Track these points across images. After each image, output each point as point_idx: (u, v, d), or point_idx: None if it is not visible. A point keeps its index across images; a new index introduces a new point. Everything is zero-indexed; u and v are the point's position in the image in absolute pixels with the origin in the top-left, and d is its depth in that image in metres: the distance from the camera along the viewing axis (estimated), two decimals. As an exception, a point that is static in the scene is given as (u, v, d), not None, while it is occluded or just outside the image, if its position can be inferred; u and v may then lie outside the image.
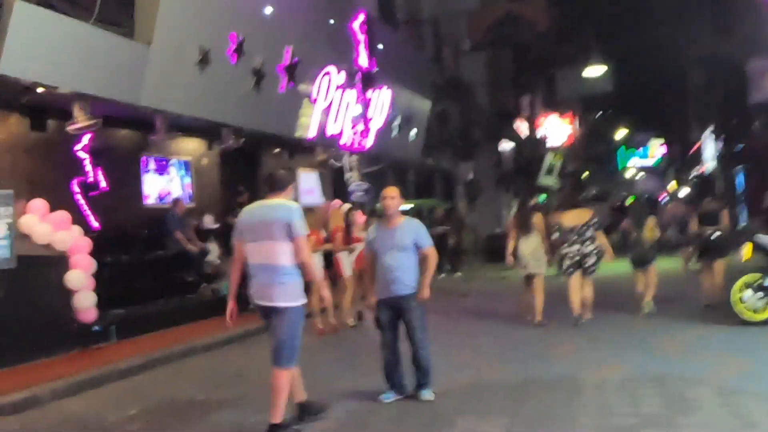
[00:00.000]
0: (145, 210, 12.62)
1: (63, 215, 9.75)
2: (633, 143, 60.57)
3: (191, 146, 13.92)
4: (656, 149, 63.37)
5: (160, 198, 12.97)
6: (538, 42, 27.74)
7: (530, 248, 10.34)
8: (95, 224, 11.19)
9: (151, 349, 9.82)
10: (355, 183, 19.85)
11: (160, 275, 12.32)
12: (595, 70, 25.87)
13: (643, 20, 32.32)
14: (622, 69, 34.43)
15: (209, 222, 13.40)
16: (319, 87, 12.17)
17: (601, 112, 50.02)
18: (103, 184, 11.34)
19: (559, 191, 43.47)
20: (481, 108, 25.97)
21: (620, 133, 51.80)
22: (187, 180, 13.67)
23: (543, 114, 40.48)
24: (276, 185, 5.66)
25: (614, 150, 58.00)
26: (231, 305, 5.79)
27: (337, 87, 12.75)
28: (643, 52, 35.06)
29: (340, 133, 13.62)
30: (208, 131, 13.22)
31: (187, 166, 13.72)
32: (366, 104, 13.96)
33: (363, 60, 13.79)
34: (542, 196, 43.57)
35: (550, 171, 39.94)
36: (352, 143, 14.20)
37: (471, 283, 17.71)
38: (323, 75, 12.22)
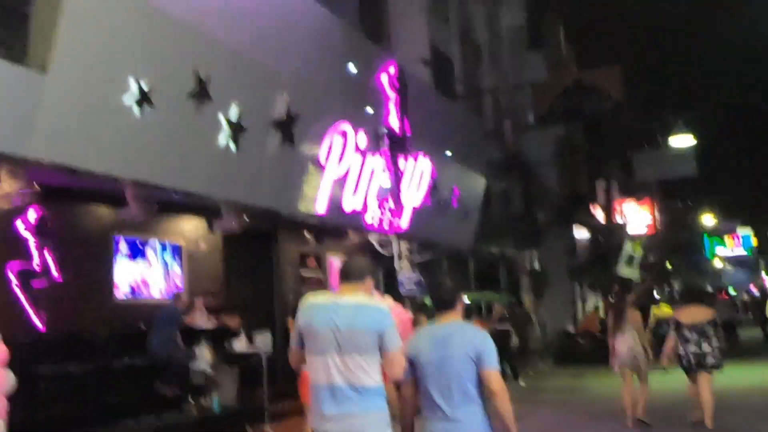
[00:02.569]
0: (116, 305, 10.14)
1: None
2: (718, 232, 56.25)
3: (185, 227, 11.52)
4: (739, 239, 58.85)
5: (133, 291, 10.48)
6: (613, 116, 25.00)
7: (627, 345, 9.73)
8: (39, 324, 8.76)
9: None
10: (405, 274, 17.26)
11: (131, 388, 9.73)
12: (680, 141, 22.91)
13: (733, 89, 29.27)
14: (707, 146, 31.17)
15: (202, 320, 10.81)
16: (329, 149, 9.63)
17: (682, 201, 46.47)
18: (54, 272, 8.99)
19: (641, 284, 39.92)
20: (547, 189, 23.13)
21: (705, 220, 47.77)
22: (176, 268, 11.19)
23: (619, 200, 37.63)
24: (351, 275, 4.26)
25: (699, 239, 53.80)
26: None
27: (357, 150, 10.17)
28: (732, 125, 31.83)
29: (364, 209, 10.99)
30: (205, 209, 10.84)
31: (177, 251, 11.27)
32: (397, 175, 11.37)
33: (393, 120, 11.27)
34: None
35: (629, 261, 36.58)
36: (381, 222, 11.55)
37: (536, 394, 14.49)
38: (335, 134, 9.68)
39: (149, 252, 10.75)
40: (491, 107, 21.85)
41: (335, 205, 10.27)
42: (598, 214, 34.37)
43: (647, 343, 9.87)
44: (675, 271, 47.29)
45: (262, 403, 10.74)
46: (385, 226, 11.79)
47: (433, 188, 13.01)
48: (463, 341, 4.14)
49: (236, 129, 7.81)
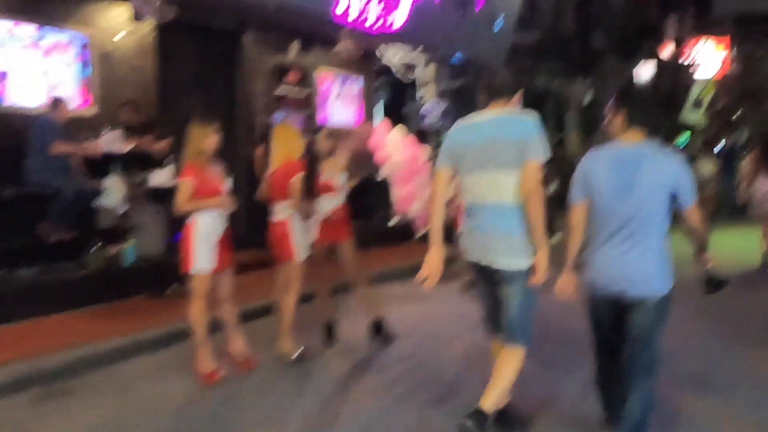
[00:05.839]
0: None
1: None
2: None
3: (97, 14, 8.41)
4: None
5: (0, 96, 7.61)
6: None
7: (765, 189, 9.58)
8: None
9: None
10: (430, 102, 14.19)
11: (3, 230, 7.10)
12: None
13: None
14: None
15: (115, 143, 7.94)
16: None
17: (763, 42, 41.34)
18: None
19: (706, 130, 36.06)
20: (609, 9, 19.12)
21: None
22: (77, 70, 8.21)
23: (694, 38, 33.20)
24: (498, 92, 3.94)
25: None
26: (434, 253, 3.94)
27: None
28: None
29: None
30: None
31: (83, 45, 8.25)
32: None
33: None
34: (685, 136, 36.39)
35: (697, 105, 32.72)
36: (362, 15, 8.23)
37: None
38: None
39: (35, 43, 7.75)
40: None
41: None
42: (667, 50, 30.21)
43: None
44: (742, 119, 42.94)
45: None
46: (371, 23, 8.47)
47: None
48: (658, 168, 3.50)
49: None
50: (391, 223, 12.32)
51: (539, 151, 3.74)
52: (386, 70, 14.14)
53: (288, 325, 5.69)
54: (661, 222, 3.54)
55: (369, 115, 12.98)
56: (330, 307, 6.39)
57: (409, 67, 14.22)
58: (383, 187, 12.27)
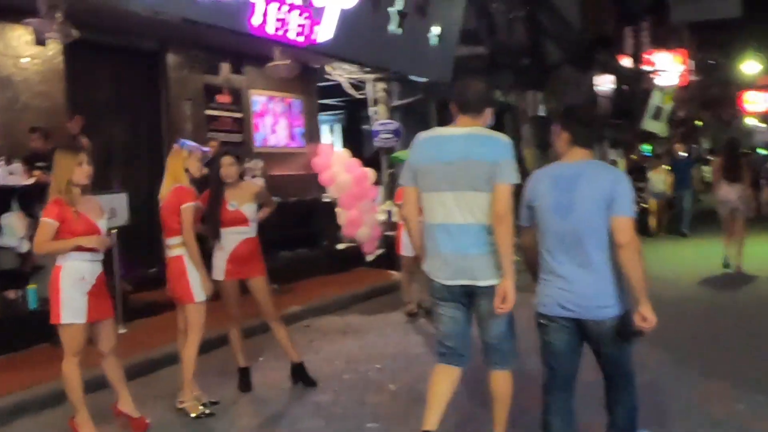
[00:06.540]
0: None
1: None
2: (759, 86, 51.07)
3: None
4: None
5: None
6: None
7: (737, 193, 10.19)
8: None
9: None
10: (380, 121, 13.64)
11: None
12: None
13: None
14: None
15: (13, 175, 7.25)
16: None
17: (719, 50, 41.89)
18: None
19: (667, 141, 35.95)
20: (562, 21, 18.72)
21: (746, 67, 42.85)
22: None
23: (649, 50, 33.25)
24: (470, 105, 3.77)
25: (733, 94, 48.92)
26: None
27: None
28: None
29: (250, 6, 7.03)
30: (24, 11, 7.08)
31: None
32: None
33: None
34: (646, 147, 36.27)
35: (656, 114, 32.62)
36: (283, 27, 7.60)
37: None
38: None
39: None
40: None
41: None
42: (625, 62, 30.09)
43: (752, 194, 10.62)
44: (704, 128, 43.06)
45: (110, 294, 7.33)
46: (293, 35, 7.86)
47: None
48: (594, 183, 3.43)
49: None
50: (340, 247, 11.73)
51: (511, 174, 3.66)
52: (337, 90, 13.58)
53: (189, 375, 5.02)
54: (605, 238, 3.42)
55: (311, 136, 12.38)
56: (244, 352, 5.74)
57: (358, 85, 13.69)
58: (330, 211, 11.69)
